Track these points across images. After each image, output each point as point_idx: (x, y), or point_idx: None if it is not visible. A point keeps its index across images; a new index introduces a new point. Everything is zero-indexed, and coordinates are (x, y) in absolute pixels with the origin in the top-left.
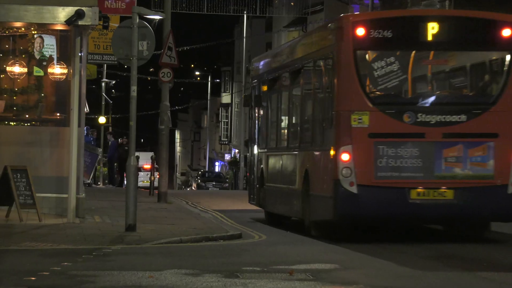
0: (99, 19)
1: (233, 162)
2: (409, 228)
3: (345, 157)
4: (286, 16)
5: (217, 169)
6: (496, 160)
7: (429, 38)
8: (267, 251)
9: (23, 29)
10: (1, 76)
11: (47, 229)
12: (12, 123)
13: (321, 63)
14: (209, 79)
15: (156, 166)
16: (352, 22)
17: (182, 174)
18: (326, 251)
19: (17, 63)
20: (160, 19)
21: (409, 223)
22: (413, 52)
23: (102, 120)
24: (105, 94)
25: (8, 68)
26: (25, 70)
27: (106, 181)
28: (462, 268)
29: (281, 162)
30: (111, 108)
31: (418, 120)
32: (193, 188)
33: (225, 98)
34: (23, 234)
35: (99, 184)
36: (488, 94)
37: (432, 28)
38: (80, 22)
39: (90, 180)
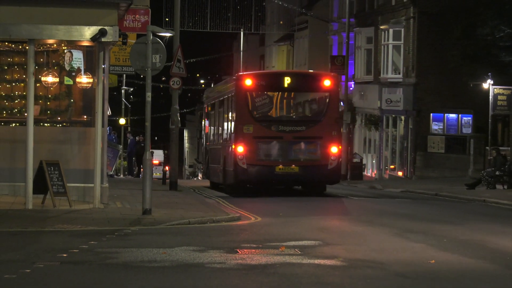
0: (119, 36)
1: None
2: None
3: (240, 149)
4: (276, 33)
5: None
6: (321, 150)
7: (285, 85)
8: (262, 230)
9: (55, 45)
10: (37, 85)
11: (76, 214)
12: (46, 124)
13: (230, 98)
14: (212, 86)
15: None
16: (244, 77)
17: (190, 166)
18: (311, 229)
19: (50, 74)
20: (170, 36)
21: (275, 185)
22: (276, 92)
23: (122, 121)
24: (125, 100)
25: (43, 78)
26: (57, 80)
27: (126, 173)
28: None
29: (214, 151)
30: (130, 111)
31: (279, 129)
32: (199, 178)
33: None
34: (56, 218)
35: (119, 175)
36: (318, 115)
37: (286, 79)
38: (103, 39)
39: (112, 172)
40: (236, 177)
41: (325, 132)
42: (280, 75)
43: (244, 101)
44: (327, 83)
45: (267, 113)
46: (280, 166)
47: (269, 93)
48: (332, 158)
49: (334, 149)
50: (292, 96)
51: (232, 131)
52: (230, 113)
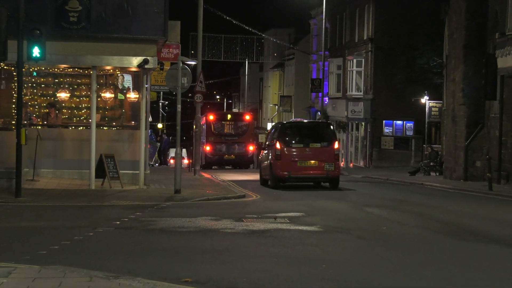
0: (158, 64)
1: None
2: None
3: (207, 148)
4: (272, 62)
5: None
6: (245, 149)
7: (228, 118)
8: (261, 205)
9: (111, 70)
10: (98, 99)
11: (126, 193)
12: (105, 128)
13: (204, 123)
14: (225, 101)
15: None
16: (209, 114)
17: None
18: (297, 205)
19: (107, 91)
20: (195, 63)
21: (223, 167)
22: (224, 121)
23: (159, 125)
24: (161, 110)
25: (102, 94)
26: (113, 95)
27: (169, 164)
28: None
29: (199, 147)
30: (165, 118)
31: (225, 138)
32: (215, 168)
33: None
34: (111, 196)
35: (157, 165)
36: (244, 132)
37: (229, 115)
38: (146, 66)
39: (152, 162)
40: (206, 162)
41: (247, 140)
42: (226, 113)
43: (209, 125)
44: (247, 117)
45: (220, 131)
46: (226, 156)
47: (221, 122)
48: (250, 152)
49: (251, 148)
50: (231, 123)
51: (204, 139)
52: (203, 130)
